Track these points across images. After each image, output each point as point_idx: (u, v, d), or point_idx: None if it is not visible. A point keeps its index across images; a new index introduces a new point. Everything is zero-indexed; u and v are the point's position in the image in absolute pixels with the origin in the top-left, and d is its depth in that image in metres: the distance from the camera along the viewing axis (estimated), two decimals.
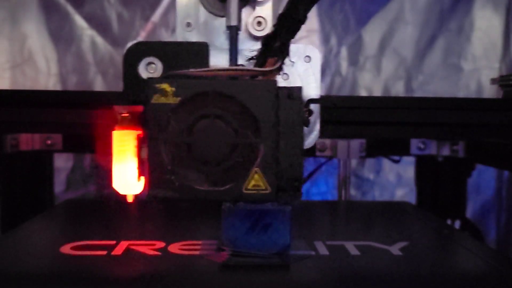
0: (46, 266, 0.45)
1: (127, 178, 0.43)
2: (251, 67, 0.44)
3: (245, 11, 0.48)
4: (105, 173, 1.09)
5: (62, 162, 1.09)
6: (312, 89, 0.49)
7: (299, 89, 0.42)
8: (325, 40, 1.15)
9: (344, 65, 1.15)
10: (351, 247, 0.49)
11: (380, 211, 0.71)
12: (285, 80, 0.49)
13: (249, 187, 0.41)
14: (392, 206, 0.78)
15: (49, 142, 0.79)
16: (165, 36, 1.11)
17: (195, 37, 0.48)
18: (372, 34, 1.15)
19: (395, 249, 0.49)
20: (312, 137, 0.50)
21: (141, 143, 0.42)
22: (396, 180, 1.15)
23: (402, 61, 1.15)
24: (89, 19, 1.11)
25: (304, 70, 0.49)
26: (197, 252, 0.47)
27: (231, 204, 0.46)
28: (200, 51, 0.46)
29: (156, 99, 0.40)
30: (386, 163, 1.14)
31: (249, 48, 0.47)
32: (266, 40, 0.44)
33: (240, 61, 0.47)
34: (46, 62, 1.10)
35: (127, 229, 0.59)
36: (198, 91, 0.40)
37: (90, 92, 1.03)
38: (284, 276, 0.43)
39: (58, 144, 0.80)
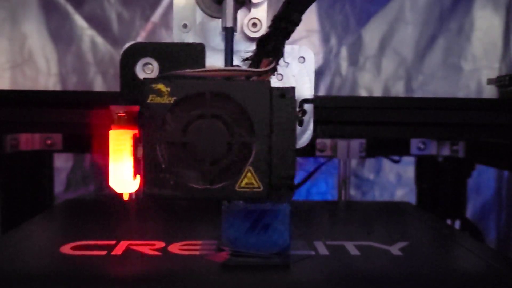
0: (46, 266, 0.45)
1: (123, 176, 0.43)
2: (246, 67, 0.45)
3: (241, 13, 0.48)
4: (104, 173, 1.10)
5: (62, 162, 1.09)
6: (306, 89, 0.50)
7: (292, 89, 0.42)
8: (325, 40, 1.15)
9: (344, 65, 1.15)
10: (351, 247, 0.49)
11: (380, 211, 0.71)
12: (279, 80, 0.49)
13: (242, 185, 0.41)
14: (392, 206, 0.78)
15: (49, 142, 0.79)
16: (165, 36, 1.11)
17: (192, 38, 0.49)
18: (372, 34, 1.15)
19: (395, 249, 0.49)
20: (305, 136, 0.50)
21: (137, 142, 0.43)
22: (396, 180, 1.15)
23: (402, 61, 1.15)
24: (89, 19, 1.11)
25: (299, 70, 0.50)
26: (197, 252, 0.47)
27: (230, 203, 0.46)
28: (196, 52, 0.46)
29: (152, 99, 0.41)
30: (386, 163, 1.14)
31: (244, 49, 0.48)
32: (261, 42, 0.45)
33: (236, 61, 0.48)
34: (46, 62, 1.10)
35: (127, 229, 0.59)
36: (194, 91, 0.41)
37: (90, 92, 1.03)
38: (284, 276, 0.43)
39: (58, 144, 0.80)
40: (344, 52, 1.15)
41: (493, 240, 1.16)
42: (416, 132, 0.78)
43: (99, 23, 1.11)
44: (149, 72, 0.46)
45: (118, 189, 0.44)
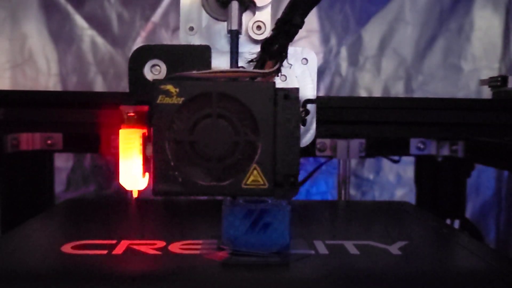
0: (47, 265, 0.45)
1: (132, 174, 0.45)
2: (251, 69, 0.47)
3: (246, 16, 0.50)
4: (104, 172, 1.10)
5: (62, 162, 1.09)
6: (309, 90, 0.51)
7: (296, 90, 0.44)
8: (325, 40, 1.15)
9: (344, 65, 1.15)
10: (351, 247, 0.49)
11: (380, 211, 0.71)
12: (283, 81, 0.51)
13: (248, 182, 0.43)
14: (391, 206, 0.78)
15: (49, 142, 0.79)
16: (165, 36, 1.12)
17: (198, 41, 0.50)
18: (372, 34, 1.15)
19: (395, 248, 0.49)
20: (308, 136, 0.52)
21: (146, 141, 0.45)
22: (395, 180, 1.15)
23: (402, 61, 1.15)
24: (89, 19, 1.11)
25: (301, 72, 0.51)
26: (197, 252, 0.47)
27: (231, 203, 0.47)
28: (202, 53, 0.48)
29: (161, 99, 0.42)
30: (385, 163, 1.14)
31: (249, 51, 0.50)
32: (265, 44, 0.46)
33: (241, 63, 0.49)
34: (46, 62, 1.11)
35: (127, 229, 0.59)
36: (201, 92, 0.42)
37: (90, 93, 1.04)
38: (284, 275, 0.44)
39: (58, 144, 0.80)
40: (344, 52, 1.15)
41: (493, 240, 1.16)
42: (414, 131, 0.79)
43: (99, 23, 1.11)
44: (157, 73, 0.48)
45: (128, 187, 0.46)
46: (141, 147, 0.45)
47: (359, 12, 1.14)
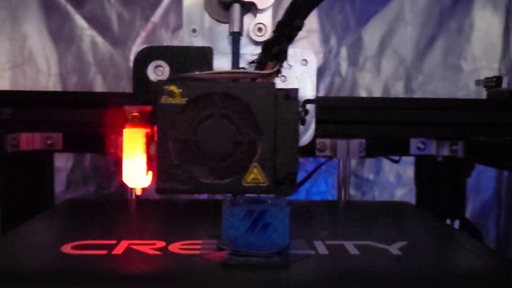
0: (47, 265, 0.45)
1: (136, 172, 0.46)
2: (252, 70, 0.48)
3: (247, 18, 0.51)
4: (105, 173, 1.10)
5: (62, 162, 1.09)
6: (309, 90, 0.53)
7: (295, 90, 0.45)
8: (325, 40, 1.15)
9: (344, 65, 1.15)
10: (351, 247, 0.49)
11: (380, 211, 0.71)
12: (283, 82, 0.52)
13: (249, 180, 0.44)
14: (391, 206, 0.78)
15: (49, 142, 0.79)
16: (165, 36, 1.12)
17: (200, 42, 0.52)
18: (372, 34, 1.15)
19: (394, 248, 0.49)
20: (307, 135, 0.53)
21: (149, 140, 0.46)
22: (395, 180, 1.15)
23: (402, 61, 1.15)
24: (89, 19, 1.11)
25: (301, 72, 0.53)
26: (197, 252, 0.47)
27: (231, 203, 0.47)
28: (204, 55, 0.50)
29: (165, 99, 0.43)
30: (385, 163, 1.14)
31: (250, 53, 0.51)
32: (266, 45, 0.48)
33: (242, 64, 0.51)
34: (46, 62, 1.11)
35: (127, 229, 0.59)
36: (204, 92, 0.44)
37: (90, 93, 1.04)
38: (284, 275, 0.44)
39: (58, 144, 0.80)
40: (344, 52, 1.15)
41: (493, 240, 1.16)
42: (414, 131, 0.79)
43: (99, 23, 1.11)
44: (160, 74, 0.49)
45: (131, 185, 0.47)
46: (144, 146, 0.46)
47: (359, 12, 1.14)
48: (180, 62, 0.49)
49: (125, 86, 1.11)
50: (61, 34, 1.11)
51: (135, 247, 0.49)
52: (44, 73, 1.11)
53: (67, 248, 0.48)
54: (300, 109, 0.46)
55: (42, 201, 0.85)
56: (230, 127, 0.44)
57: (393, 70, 1.15)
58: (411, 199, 0.97)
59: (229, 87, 0.44)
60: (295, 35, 0.47)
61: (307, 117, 0.51)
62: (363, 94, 1.15)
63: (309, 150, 0.79)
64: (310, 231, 0.56)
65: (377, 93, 1.15)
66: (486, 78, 0.80)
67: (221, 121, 0.44)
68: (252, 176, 0.44)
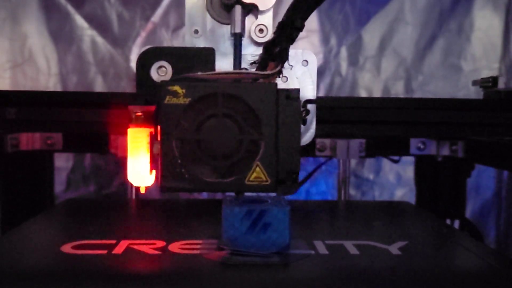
0: (47, 265, 0.45)
1: (140, 171, 0.47)
2: (254, 70, 0.49)
3: (248, 19, 0.52)
4: (105, 173, 1.10)
5: (62, 162, 1.09)
6: (309, 90, 0.53)
7: (297, 90, 0.46)
8: (325, 40, 1.15)
9: (344, 65, 1.15)
10: (351, 247, 0.49)
11: (380, 211, 0.71)
12: (284, 82, 0.53)
13: (251, 179, 0.45)
14: (391, 206, 0.78)
15: (49, 142, 0.79)
16: (165, 36, 1.12)
17: (202, 43, 0.53)
18: (372, 34, 1.15)
19: (394, 248, 0.49)
20: (308, 135, 0.54)
21: (153, 139, 0.47)
22: (395, 180, 1.15)
23: (402, 61, 1.15)
24: (89, 19, 1.11)
25: (302, 73, 0.53)
26: (197, 251, 0.47)
27: (231, 203, 0.47)
28: (206, 56, 0.50)
29: (169, 100, 0.44)
30: (385, 163, 1.14)
31: (251, 53, 0.52)
32: (267, 46, 0.49)
33: (244, 65, 0.52)
34: (46, 62, 1.11)
35: (127, 229, 0.59)
36: (207, 93, 0.45)
37: (90, 93, 1.04)
38: (284, 275, 0.44)
39: (58, 144, 0.80)
40: (344, 52, 1.15)
41: (493, 240, 1.16)
42: (414, 131, 0.79)
43: (99, 23, 1.11)
44: (163, 74, 0.50)
45: (135, 183, 0.48)
46: (148, 146, 0.46)
47: (359, 12, 1.14)
48: (183, 63, 0.50)
49: (125, 86, 1.11)
50: (61, 34, 1.11)
51: (135, 246, 0.49)
52: (44, 73, 1.11)
53: (67, 248, 0.48)
54: (301, 109, 0.47)
55: (42, 201, 0.85)
56: (232, 126, 0.45)
57: (393, 70, 1.15)
58: (411, 199, 0.97)
59: (232, 87, 0.45)
60: (296, 35, 0.47)
61: (308, 117, 0.51)
62: (363, 94, 1.15)
63: (309, 150, 0.79)
64: (310, 231, 0.56)
65: (377, 93, 1.15)
66: (483, 79, 0.81)
67: (223, 120, 0.44)
68: (254, 174, 0.45)
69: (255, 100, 0.44)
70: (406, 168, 1.11)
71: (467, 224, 0.91)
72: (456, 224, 0.90)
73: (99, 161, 1.11)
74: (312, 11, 0.47)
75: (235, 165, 0.45)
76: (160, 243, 0.49)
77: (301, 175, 0.96)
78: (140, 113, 0.47)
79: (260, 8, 0.51)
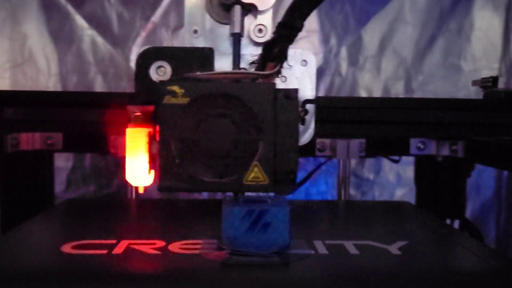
0: (47, 265, 0.45)
1: (139, 171, 0.47)
2: (253, 70, 0.49)
3: (248, 19, 0.52)
4: (105, 173, 1.10)
5: (62, 162, 1.09)
6: (308, 90, 0.53)
7: (295, 90, 0.46)
8: (325, 40, 1.15)
9: (344, 65, 1.15)
10: (350, 247, 0.49)
11: (380, 211, 0.71)
12: (283, 82, 0.53)
13: (249, 179, 0.45)
14: (391, 206, 0.78)
15: (49, 141, 0.79)
16: (165, 36, 1.12)
17: (202, 43, 0.52)
18: (372, 34, 1.15)
19: (394, 248, 0.49)
20: (307, 135, 0.54)
21: (151, 139, 0.47)
22: (395, 180, 1.15)
23: (402, 61, 1.15)
24: (89, 19, 1.11)
25: (301, 73, 0.53)
26: (197, 251, 0.47)
27: (231, 203, 0.47)
28: (206, 55, 0.50)
29: (167, 99, 0.44)
30: (385, 163, 1.14)
31: (250, 53, 0.52)
32: (266, 46, 0.49)
33: (243, 65, 0.51)
34: (46, 62, 1.11)
35: (127, 229, 0.59)
36: (205, 93, 0.45)
37: (90, 93, 1.04)
38: (284, 275, 0.44)
39: (58, 143, 0.80)
40: (344, 52, 1.15)
41: (493, 240, 1.16)
42: (414, 131, 0.79)
43: (99, 23, 1.11)
44: (162, 74, 0.50)
45: (134, 183, 0.48)
46: (147, 145, 0.46)
47: (359, 12, 1.14)
48: (182, 63, 0.50)
49: (125, 86, 1.11)
50: (61, 34, 1.11)
51: (135, 246, 0.49)
52: (44, 73, 1.11)
53: (67, 248, 0.48)
54: (299, 109, 0.47)
55: (42, 201, 0.85)
56: (231, 126, 0.45)
57: (393, 70, 1.15)
58: (411, 199, 0.96)
59: (230, 87, 0.45)
60: (295, 36, 0.47)
61: (307, 117, 0.51)
62: (363, 94, 1.15)
63: (309, 150, 0.79)
64: (310, 231, 0.56)
65: (377, 93, 1.15)
66: (483, 79, 0.81)
67: (222, 120, 0.44)
68: (252, 174, 0.45)
69: (254, 100, 0.44)
70: (406, 168, 1.11)
71: (467, 224, 0.91)
72: (456, 224, 0.90)
73: (99, 161, 1.11)
74: (311, 11, 0.47)
75: (233, 165, 0.45)
76: (160, 243, 0.50)
77: (301, 175, 0.96)
78: (139, 113, 0.47)
79: (260, 8, 0.51)
